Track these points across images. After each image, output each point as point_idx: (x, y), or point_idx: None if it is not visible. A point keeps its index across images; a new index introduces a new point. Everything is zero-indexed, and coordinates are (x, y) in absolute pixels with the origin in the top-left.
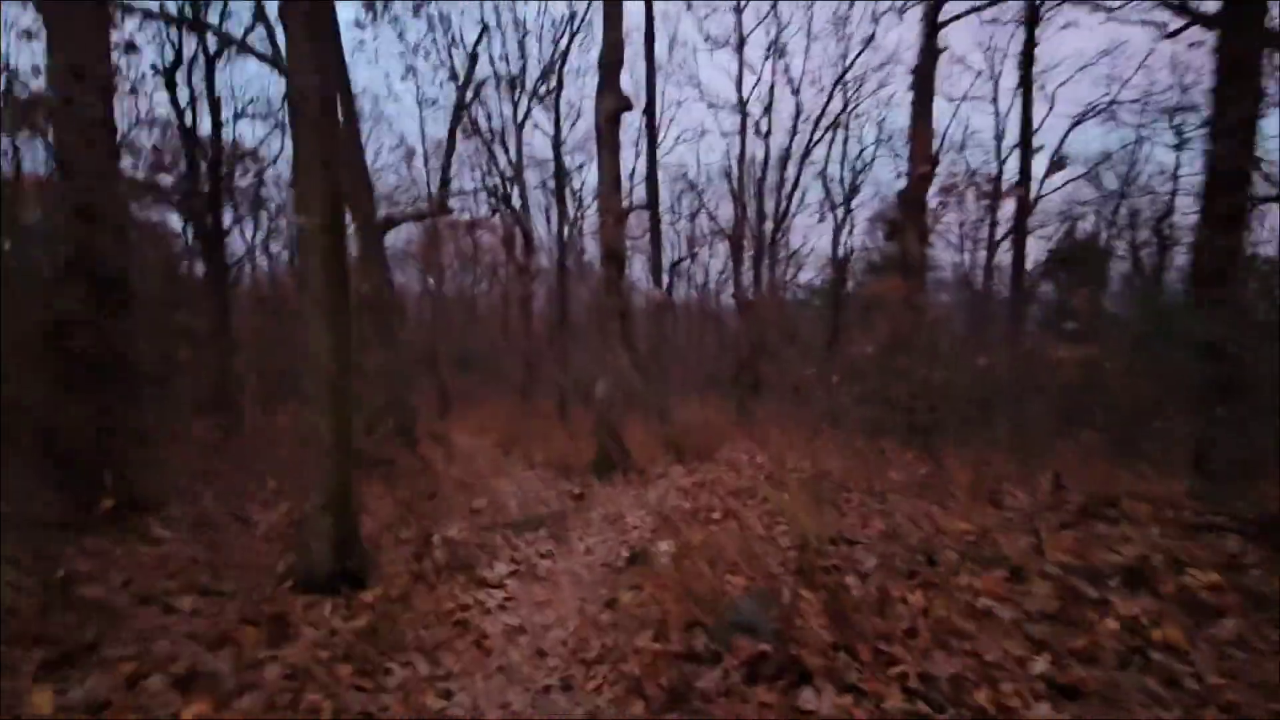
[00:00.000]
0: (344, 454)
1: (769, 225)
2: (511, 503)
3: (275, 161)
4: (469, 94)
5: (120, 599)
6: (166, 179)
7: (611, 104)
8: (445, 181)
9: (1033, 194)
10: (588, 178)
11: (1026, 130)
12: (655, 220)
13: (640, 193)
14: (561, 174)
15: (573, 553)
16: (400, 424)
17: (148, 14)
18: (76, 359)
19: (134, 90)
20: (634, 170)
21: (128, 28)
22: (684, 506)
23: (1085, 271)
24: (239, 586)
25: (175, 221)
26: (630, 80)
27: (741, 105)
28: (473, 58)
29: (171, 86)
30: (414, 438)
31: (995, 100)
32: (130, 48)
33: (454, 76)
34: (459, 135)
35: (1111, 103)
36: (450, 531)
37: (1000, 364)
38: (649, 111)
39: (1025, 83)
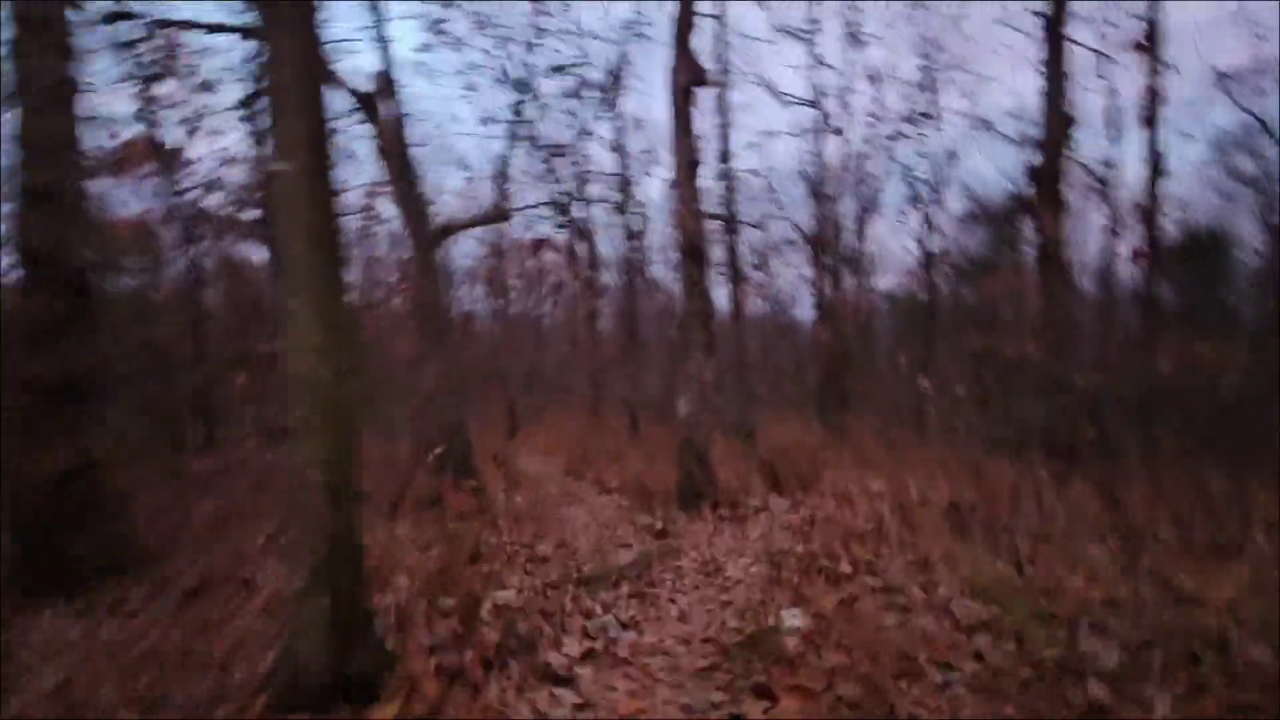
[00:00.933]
0: (343, 499)
1: (850, 228)
2: (583, 543)
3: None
4: (525, 96)
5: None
6: (250, 213)
7: (685, 76)
8: (504, 187)
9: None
10: (652, 191)
11: (1153, 106)
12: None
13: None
14: (626, 184)
15: (664, 619)
16: (455, 451)
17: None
18: (36, 386)
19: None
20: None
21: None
22: (796, 551)
23: (1209, 265)
24: (203, 695)
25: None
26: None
27: (816, 100)
28: (528, 56)
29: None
30: (471, 465)
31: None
32: (206, 86)
33: (507, 78)
34: (519, 146)
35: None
36: (507, 593)
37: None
38: (719, 100)
39: (1150, 49)
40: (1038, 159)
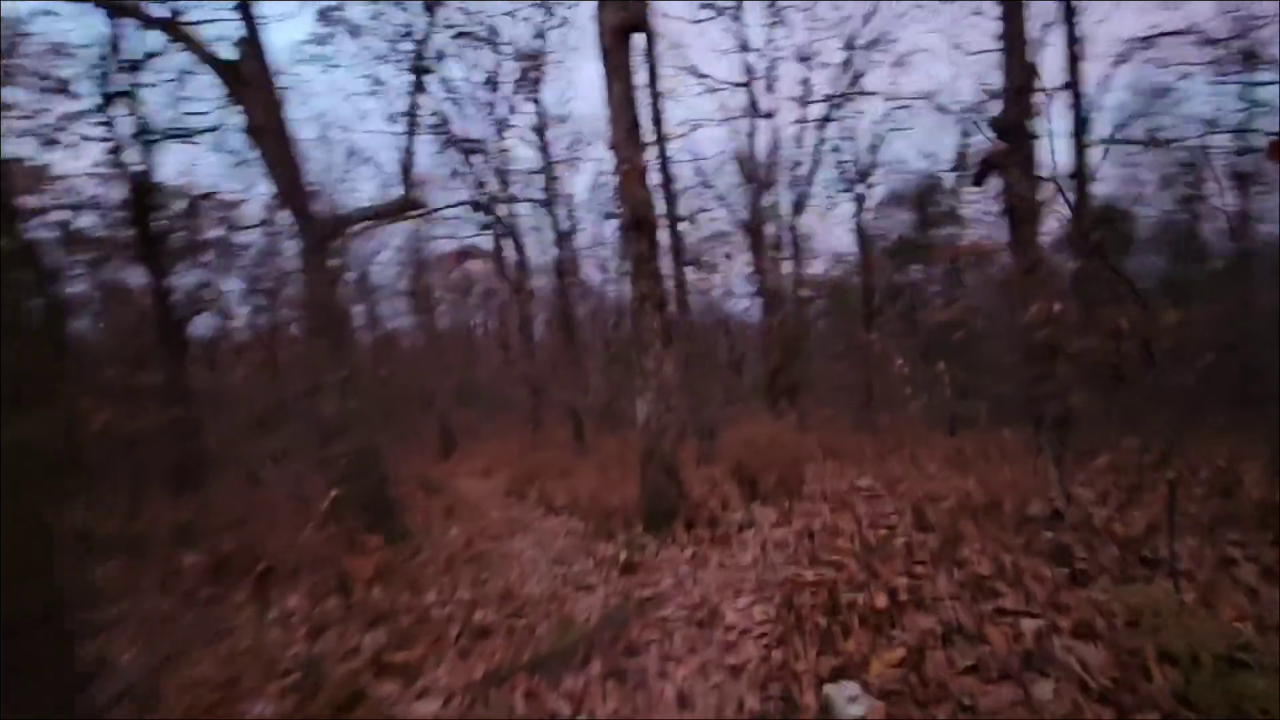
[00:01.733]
0: None
1: (786, 214)
2: (534, 589)
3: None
4: (428, 75)
5: None
6: (127, 232)
7: (615, 16)
8: (408, 174)
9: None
10: (580, 186)
11: (1074, 75)
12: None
13: None
14: (552, 178)
15: (656, 709)
16: (365, 488)
17: None
18: None
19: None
20: None
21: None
22: (806, 580)
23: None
24: None
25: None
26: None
27: (744, 83)
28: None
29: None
30: (388, 503)
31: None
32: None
33: (412, 60)
34: (432, 140)
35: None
36: (428, 706)
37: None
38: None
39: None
40: (999, 113)
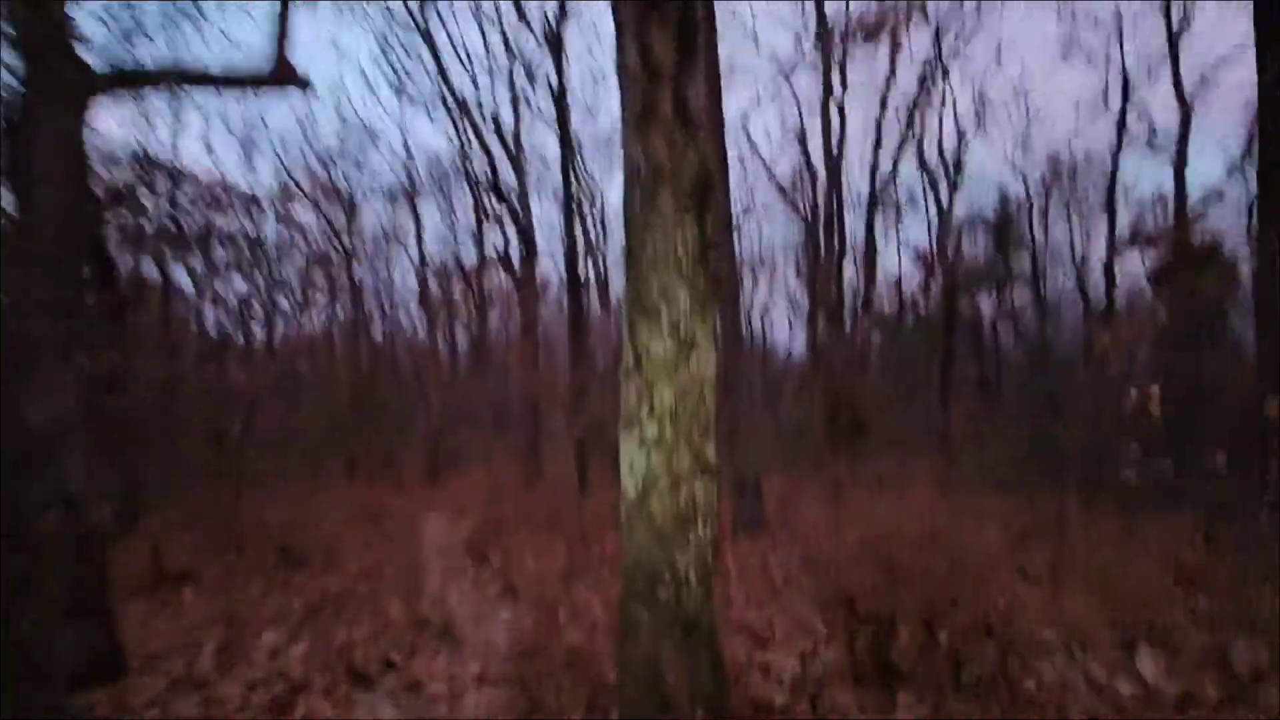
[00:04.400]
0: None
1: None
2: None
3: None
4: None
5: None
6: None
7: None
8: (282, 39)
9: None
10: (606, 193)
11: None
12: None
13: None
14: (568, 139)
15: None
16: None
17: None
18: None
19: None
20: None
21: None
22: None
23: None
24: None
25: None
26: None
27: (822, 48)
28: None
29: None
30: (103, 610)
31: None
32: None
33: None
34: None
35: None
36: None
37: None
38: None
39: None
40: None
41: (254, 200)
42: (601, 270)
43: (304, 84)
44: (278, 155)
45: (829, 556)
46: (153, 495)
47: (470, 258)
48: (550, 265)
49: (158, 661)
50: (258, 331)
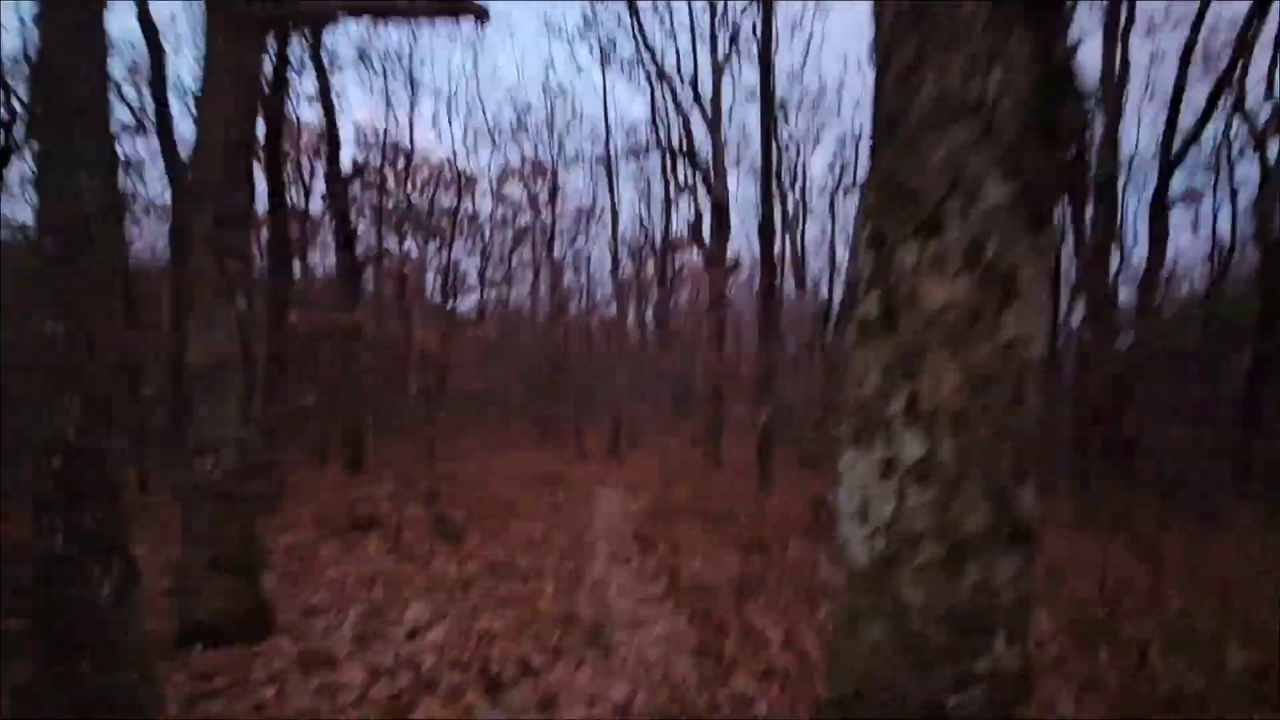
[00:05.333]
0: None
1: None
2: None
3: None
4: None
5: None
6: None
7: None
8: None
9: None
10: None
11: None
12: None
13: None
14: (770, 106)
15: None
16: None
17: None
18: None
19: None
20: None
21: None
22: None
23: None
24: None
25: None
26: None
27: None
28: None
29: None
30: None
31: None
32: None
33: None
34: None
35: None
36: None
37: None
38: None
39: None
40: None
41: (471, 179)
42: (799, 248)
43: (481, 12)
44: (492, 136)
45: None
46: (380, 439)
47: (662, 232)
48: (742, 242)
49: (307, 621)
50: (466, 299)
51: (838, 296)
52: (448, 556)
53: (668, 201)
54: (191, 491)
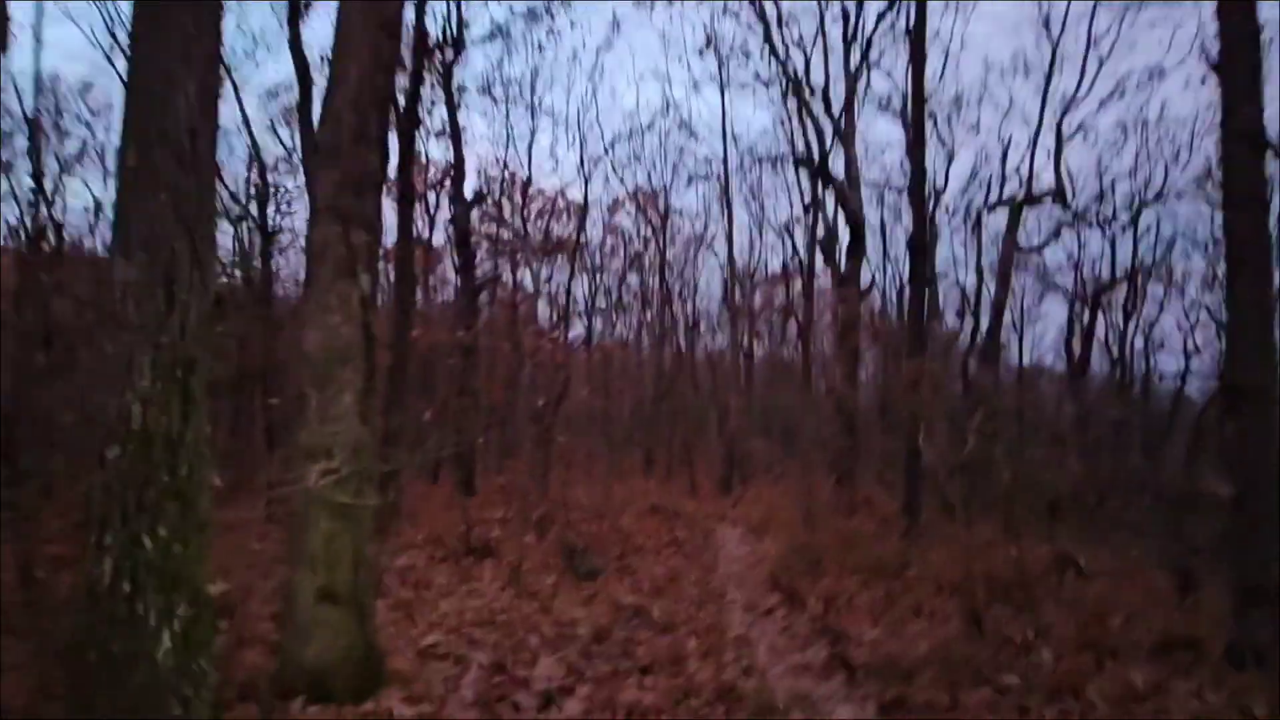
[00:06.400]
0: None
1: None
2: None
3: None
4: None
5: None
6: None
7: None
8: None
9: None
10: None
11: None
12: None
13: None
14: (920, 115)
15: None
16: None
17: None
18: None
19: None
20: None
21: None
22: None
23: None
24: None
25: None
26: None
27: None
28: None
29: None
30: None
31: None
32: None
33: None
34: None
35: None
36: None
37: None
38: None
39: None
40: None
41: (584, 208)
42: (932, 267)
43: None
44: (610, 164)
45: None
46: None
47: (779, 256)
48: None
49: (422, 668)
50: (578, 326)
51: (984, 324)
52: (571, 596)
53: (791, 220)
54: (299, 503)
